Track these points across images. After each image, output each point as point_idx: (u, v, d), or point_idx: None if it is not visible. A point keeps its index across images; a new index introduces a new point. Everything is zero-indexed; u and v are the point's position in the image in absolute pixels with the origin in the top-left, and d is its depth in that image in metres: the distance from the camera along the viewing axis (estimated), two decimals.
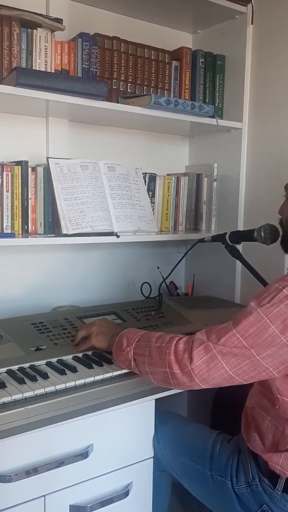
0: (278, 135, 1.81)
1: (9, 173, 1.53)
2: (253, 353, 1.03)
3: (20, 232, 1.57)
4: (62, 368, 1.25)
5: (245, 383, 1.09)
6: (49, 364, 1.30)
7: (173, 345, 1.12)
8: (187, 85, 1.90)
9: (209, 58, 1.93)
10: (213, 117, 1.81)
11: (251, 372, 1.05)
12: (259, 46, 1.86)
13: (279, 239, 1.40)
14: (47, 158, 1.62)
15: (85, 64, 1.65)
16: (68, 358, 1.34)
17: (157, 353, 1.14)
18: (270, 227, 1.53)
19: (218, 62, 1.94)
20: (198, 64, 1.91)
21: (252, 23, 1.87)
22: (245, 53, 1.88)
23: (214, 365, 1.06)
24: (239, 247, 1.75)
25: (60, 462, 1.16)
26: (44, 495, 1.17)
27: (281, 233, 1.35)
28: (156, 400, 1.30)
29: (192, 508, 1.66)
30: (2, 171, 1.52)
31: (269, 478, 1.16)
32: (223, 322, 1.11)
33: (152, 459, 1.36)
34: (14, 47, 1.51)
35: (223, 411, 1.71)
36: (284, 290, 1.03)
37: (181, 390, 1.24)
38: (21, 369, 1.25)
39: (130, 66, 1.78)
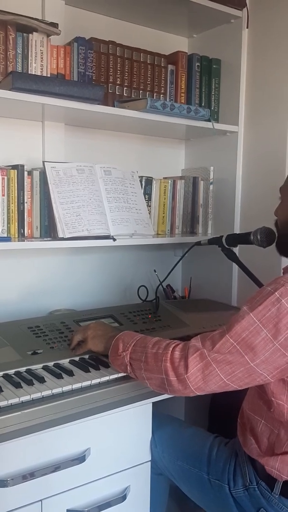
0: (274, 138, 1.81)
1: (5, 177, 1.53)
2: (247, 360, 1.03)
3: (16, 236, 1.57)
4: (59, 372, 1.25)
5: (240, 389, 1.09)
6: (45, 368, 1.29)
7: (169, 352, 1.11)
8: (183, 89, 1.91)
9: (205, 62, 1.94)
10: (209, 120, 1.81)
11: (245, 378, 1.05)
12: (254, 50, 1.87)
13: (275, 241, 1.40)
14: (43, 162, 1.62)
15: (81, 68, 1.66)
16: (64, 361, 1.34)
17: (153, 360, 1.14)
18: (267, 229, 1.53)
19: (214, 66, 1.95)
20: (194, 68, 1.92)
21: (247, 27, 1.87)
22: (241, 57, 1.89)
23: (208, 372, 1.05)
24: (236, 250, 1.75)
25: (57, 466, 1.16)
26: (41, 500, 1.16)
27: (276, 235, 1.34)
28: (153, 403, 1.30)
29: (189, 511, 1.66)
30: None
31: (266, 482, 1.16)
32: (220, 325, 1.12)
33: (149, 462, 1.35)
34: (9, 51, 1.51)
35: (220, 414, 1.71)
36: (276, 293, 1.02)
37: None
38: (18, 373, 1.25)
39: (126, 70, 1.78)
